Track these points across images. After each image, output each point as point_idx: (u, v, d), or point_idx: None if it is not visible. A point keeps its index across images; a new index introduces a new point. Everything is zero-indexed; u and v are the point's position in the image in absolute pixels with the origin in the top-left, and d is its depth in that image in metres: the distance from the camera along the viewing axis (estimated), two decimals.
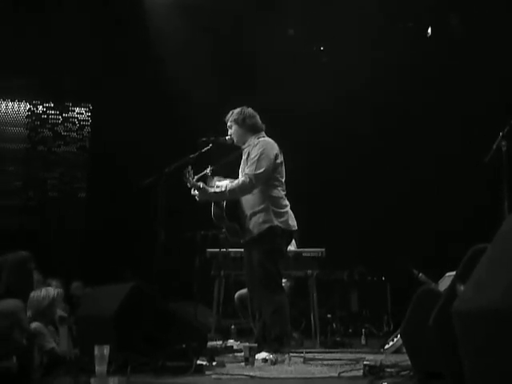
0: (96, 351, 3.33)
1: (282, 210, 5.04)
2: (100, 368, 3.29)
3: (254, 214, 5.02)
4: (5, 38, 8.94)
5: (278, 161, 5.07)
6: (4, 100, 10.19)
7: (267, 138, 5.15)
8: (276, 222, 4.98)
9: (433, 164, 8.99)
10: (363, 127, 9.15)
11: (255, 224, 5.00)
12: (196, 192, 5.03)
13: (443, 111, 8.89)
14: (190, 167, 4.97)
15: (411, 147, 9.05)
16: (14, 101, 10.24)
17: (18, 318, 4.69)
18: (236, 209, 5.08)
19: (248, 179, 4.95)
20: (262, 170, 4.95)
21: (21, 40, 9.04)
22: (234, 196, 5.01)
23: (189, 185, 4.98)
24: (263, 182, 4.99)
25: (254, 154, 5.02)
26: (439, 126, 8.94)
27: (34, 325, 5.03)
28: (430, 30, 8.97)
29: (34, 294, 5.31)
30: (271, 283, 4.94)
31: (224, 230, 5.34)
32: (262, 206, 5.00)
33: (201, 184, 5.01)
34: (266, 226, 4.97)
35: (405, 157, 9.08)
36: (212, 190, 5.03)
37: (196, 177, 5.03)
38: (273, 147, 5.07)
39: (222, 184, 5.10)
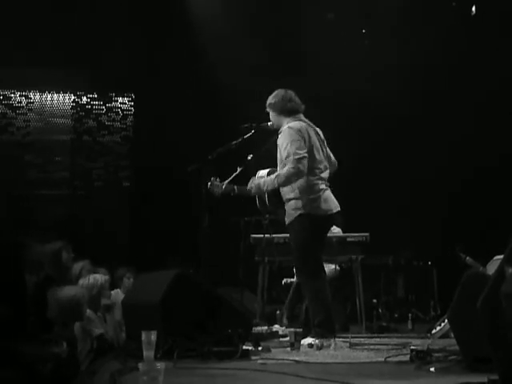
0: (143, 337, 3.37)
1: (314, 196, 4.96)
2: (147, 353, 3.33)
3: (287, 201, 5.03)
4: (49, 30, 9.07)
5: (307, 146, 4.94)
6: (50, 92, 10.36)
7: (294, 123, 5.00)
8: (306, 210, 4.93)
9: (484, 148, 8.79)
10: (408, 110, 9.02)
11: (289, 211, 5.02)
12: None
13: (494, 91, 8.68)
14: (213, 178, 5.02)
15: (458, 131, 8.88)
16: (59, 93, 10.40)
17: (80, 305, 4.79)
18: (277, 197, 5.10)
19: (291, 166, 4.85)
20: (300, 156, 4.84)
21: (64, 32, 9.16)
22: (281, 184, 4.96)
23: (218, 194, 5.03)
24: (306, 163, 4.87)
25: (283, 143, 4.95)
26: (488, 109, 8.76)
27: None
28: (474, 9, 8.77)
29: (82, 282, 5.42)
30: (307, 269, 4.94)
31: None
32: (292, 195, 4.99)
33: (234, 187, 5.07)
34: (297, 214, 4.96)
35: (453, 140, 8.92)
36: (252, 184, 5.04)
37: (227, 181, 5.06)
38: (297, 132, 4.93)
39: (264, 172, 5.13)
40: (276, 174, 4.97)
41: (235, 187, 5.09)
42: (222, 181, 5.14)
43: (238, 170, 5.08)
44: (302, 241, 4.94)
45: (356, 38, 9.41)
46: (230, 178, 5.09)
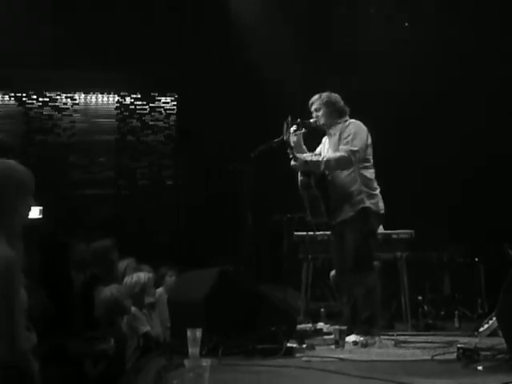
0: (188, 334, 3.39)
1: (374, 192, 5.04)
2: (193, 350, 3.35)
3: (347, 195, 4.99)
4: (92, 32, 9.20)
5: (369, 142, 5.08)
6: (94, 93, 10.54)
7: (356, 120, 5.15)
8: (368, 204, 4.96)
9: None
10: (453, 105, 8.88)
11: (348, 205, 4.97)
12: (292, 161, 5.02)
13: None
14: (289, 118, 4.98)
15: (502, 123, 8.71)
16: (103, 93, 10.57)
17: (123, 304, 4.87)
18: (324, 187, 5.06)
19: (346, 154, 4.94)
20: (356, 149, 4.94)
21: (107, 34, 9.27)
22: (329, 167, 4.98)
23: (285, 138, 4.97)
24: (358, 160, 4.96)
25: (347, 133, 5.02)
26: None
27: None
28: None
29: (126, 280, 5.49)
30: (364, 265, 4.90)
31: (307, 207, 5.26)
32: (355, 187, 4.98)
33: (294, 152, 4.99)
34: (359, 207, 4.95)
35: (497, 132, 8.75)
36: (308, 158, 5.02)
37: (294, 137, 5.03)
38: (363, 128, 5.08)
39: (306, 155, 5.09)
40: (326, 157, 4.99)
41: (294, 152, 4.99)
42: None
43: (303, 130, 5.11)
44: (363, 235, 4.92)
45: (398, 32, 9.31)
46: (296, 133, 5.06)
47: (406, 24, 9.36)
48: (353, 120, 5.15)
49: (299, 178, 5.15)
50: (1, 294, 2.45)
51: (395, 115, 8.87)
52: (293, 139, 5.03)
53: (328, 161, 4.96)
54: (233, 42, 9.24)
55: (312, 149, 5.29)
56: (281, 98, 8.69)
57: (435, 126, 9.06)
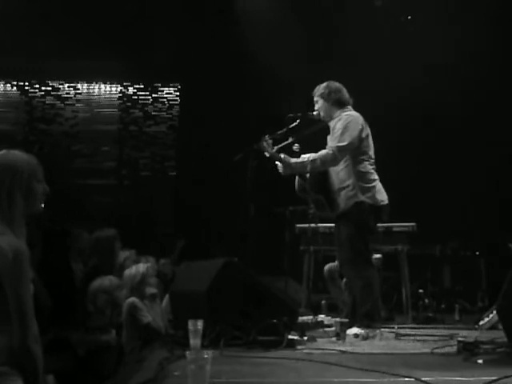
0: (190, 325, 3.41)
1: (369, 185, 4.97)
2: (194, 342, 3.37)
3: (341, 189, 4.99)
4: (95, 22, 9.19)
5: (364, 134, 4.99)
6: (97, 83, 10.54)
7: (352, 112, 5.07)
8: (362, 198, 4.92)
9: None
10: (452, 98, 8.87)
11: (342, 200, 4.98)
12: (278, 164, 5.01)
13: None
14: (267, 137, 4.92)
15: (504, 119, 8.70)
16: (106, 83, 10.57)
17: (113, 295, 4.89)
18: (323, 181, 5.06)
19: (330, 151, 4.90)
20: (344, 144, 4.89)
21: (111, 24, 9.26)
22: (315, 167, 4.95)
23: (267, 155, 4.93)
24: (347, 155, 4.92)
25: (338, 127, 4.97)
26: None
27: (131, 300, 5.22)
28: None
29: (127, 272, 5.50)
30: (359, 259, 4.89)
31: (311, 203, 5.30)
32: (349, 182, 4.96)
33: (282, 155, 4.96)
34: (353, 201, 4.93)
35: (498, 128, 8.75)
36: (293, 160, 4.98)
37: (276, 147, 4.99)
38: (357, 121, 4.99)
39: (306, 156, 5.07)
40: (311, 157, 4.94)
41: (282, 156, 4.96)
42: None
43: (290, 139, 5.04)
44: (357, 229, 4.90)
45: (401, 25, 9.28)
46: (280, 145, 5.02)
47: (409, 17, 9.33)
48: (348, 112, 5.05)
49: (296, 181, 5.15)
50: (13, 283, 2.47)
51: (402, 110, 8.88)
52: (276, 156, 4.95)
53: (313, 161, 4.91)
54: (236, 33, 9.21)
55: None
56: (286, 88, 8.68)
57: (439, 120, 9.06)
